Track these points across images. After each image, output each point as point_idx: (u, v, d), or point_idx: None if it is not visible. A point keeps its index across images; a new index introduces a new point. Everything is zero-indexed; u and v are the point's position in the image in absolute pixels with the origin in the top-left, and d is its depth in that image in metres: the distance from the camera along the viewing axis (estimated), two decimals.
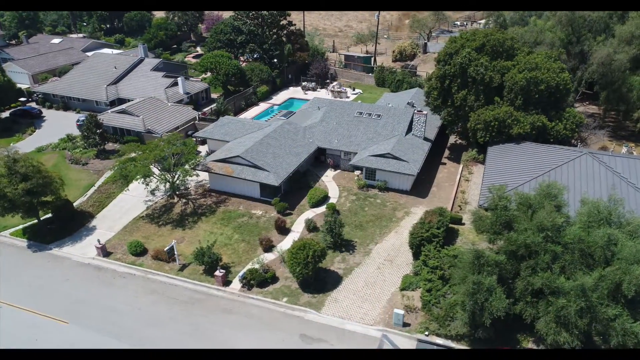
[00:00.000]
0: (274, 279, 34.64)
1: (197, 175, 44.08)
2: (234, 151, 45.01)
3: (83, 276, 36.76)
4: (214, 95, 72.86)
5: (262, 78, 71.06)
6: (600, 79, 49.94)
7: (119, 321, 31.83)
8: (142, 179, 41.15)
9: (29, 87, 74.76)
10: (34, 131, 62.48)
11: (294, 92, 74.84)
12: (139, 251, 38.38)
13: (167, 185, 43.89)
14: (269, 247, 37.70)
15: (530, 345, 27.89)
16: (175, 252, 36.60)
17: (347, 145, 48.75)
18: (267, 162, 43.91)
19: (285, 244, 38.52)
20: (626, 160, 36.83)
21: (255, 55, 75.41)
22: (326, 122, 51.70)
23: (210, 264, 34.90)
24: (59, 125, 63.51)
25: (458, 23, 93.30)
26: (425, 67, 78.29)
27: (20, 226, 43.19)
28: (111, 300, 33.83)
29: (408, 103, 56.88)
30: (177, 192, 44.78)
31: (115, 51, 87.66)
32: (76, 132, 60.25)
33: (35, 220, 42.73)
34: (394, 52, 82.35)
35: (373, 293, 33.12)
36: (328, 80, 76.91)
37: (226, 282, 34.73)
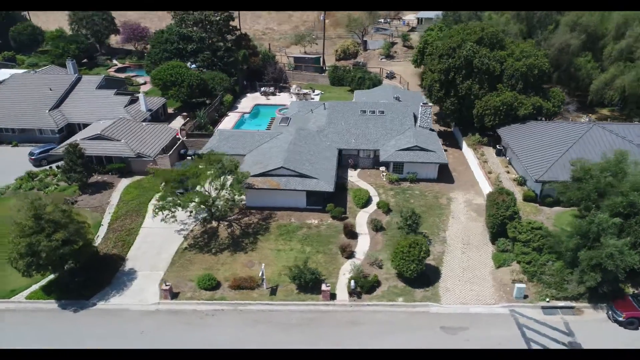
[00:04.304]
0: (377, 283, 34.55)
1: (245, 194, 40.81)
2: (271, 163, 42.99)
3: (160, 324, 32.35)
4: (169, 110, 67.41)
5: (225, 87, 67.72)
6: (554, 62, 58.30)
7: None
8: (193, 208, 37.26)
9: None
10: None
11: (254, 98, 72.57)
12: (213, 284, 34.90)
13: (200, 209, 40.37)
14: (350, 254, 37.26)
15: (631, 290, 32.58)
16: (264, 277, 34.23)
17: (366, 144, 49.68)
18: (308, 169, 42.91)
19: (360, 247, 38.45)
20: (624, 127, 44.31)
21: (200, 64, 71.07)
22: (335, 124, 51.84)
23: (313, 280, 33.45)
24: None
25: (382, 20, 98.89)
26: (373, 64, 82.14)
27: (36, 285, 36.01)
28: (215, 341, 30.45)
29: (395, 97, 59.66)
30: (215, 216, 41.19)
31: (20, 70, 75.04)
32: (32, 168, 51.32)
33: (52, 276, 36.08)
34: (337, 51, 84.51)
35: (475, 275, 35.16)
36: (283, 84, 76.02)
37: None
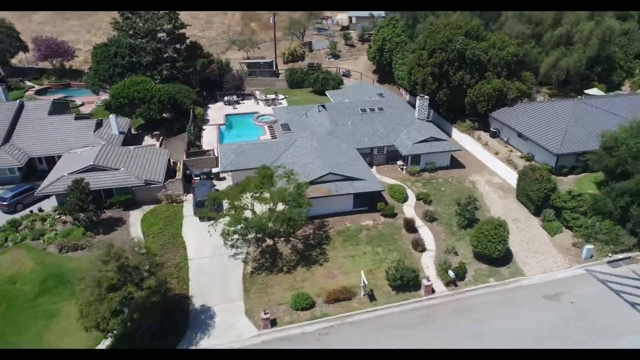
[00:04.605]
0: (465, 269, 36.06)
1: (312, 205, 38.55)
2: (313, 171, 41.84)
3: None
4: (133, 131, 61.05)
5: (193, 99, 63.32)
6: None
7: None
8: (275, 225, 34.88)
9: None
10: None
11: (219, 109, 68.79)
12: (310, 303, 33.27)
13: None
14: (423, 248, 38.24)
15: None
16: (364, 284, 33.61)
17: (380, 141, 50.78)
18: (351, 171, 42.74)
19: (426, 239, 39.49)
20: (600, 101, 51.75)
21: (159, 77, 65.50)
22: (341, 125, 51.97)
23: (414, 278, 33.82)
24: None
25: (316, 22, 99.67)
26: (325, 64, 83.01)
27: (106, 343, 30.89)
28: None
29: (378, 94, 61.59)
30: (268, 233, 38.85)
31: None
32: (5, 216, 43.17)
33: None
34: (284, 54, 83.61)
35: (539, 246, 38.54)
36: (241, 92, 73.25)
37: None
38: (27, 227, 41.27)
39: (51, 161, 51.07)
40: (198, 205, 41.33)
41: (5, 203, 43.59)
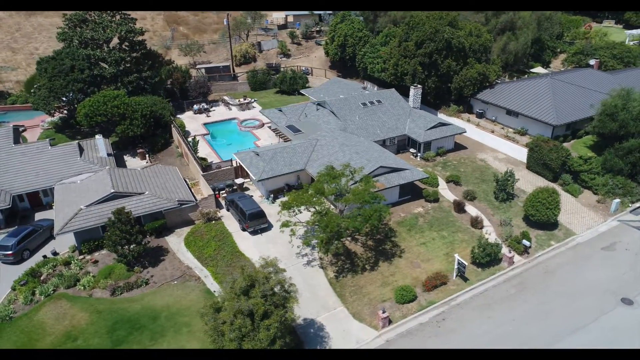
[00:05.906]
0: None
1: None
2: (367, 166, 41.53)
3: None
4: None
5: (170, 110, 58.37)
6: None
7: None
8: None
9: None
10: None
11: (192, 118, 64.00)
12: (414, 294, 33.50)
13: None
14: (482, 225, 40.46)
15: None
16: (460, 266, 34.69)
17: (391, 132, 52.01)
18: (389, 163, 43.38)
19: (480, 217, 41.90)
20: (567, 76, 58.70)
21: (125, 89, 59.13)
22: (350, 121, 52.16)
23: (498, 252, 35.82)
24: None
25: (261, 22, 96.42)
26: (282, 64, 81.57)
27: None
28: (487, 334, 30.48)
29: (363, 88, 62.67)
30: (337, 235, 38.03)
31: None
32: (11, 267, 36.40)
33: None
34: (235, 56, 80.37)
35: (571, 207, 43.04)
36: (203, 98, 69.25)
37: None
38: (52, 275, 35.07)
39: (34, 197, 43.88)
40: (250, 219, 38.79)
41: (10, 252, 36.44)
